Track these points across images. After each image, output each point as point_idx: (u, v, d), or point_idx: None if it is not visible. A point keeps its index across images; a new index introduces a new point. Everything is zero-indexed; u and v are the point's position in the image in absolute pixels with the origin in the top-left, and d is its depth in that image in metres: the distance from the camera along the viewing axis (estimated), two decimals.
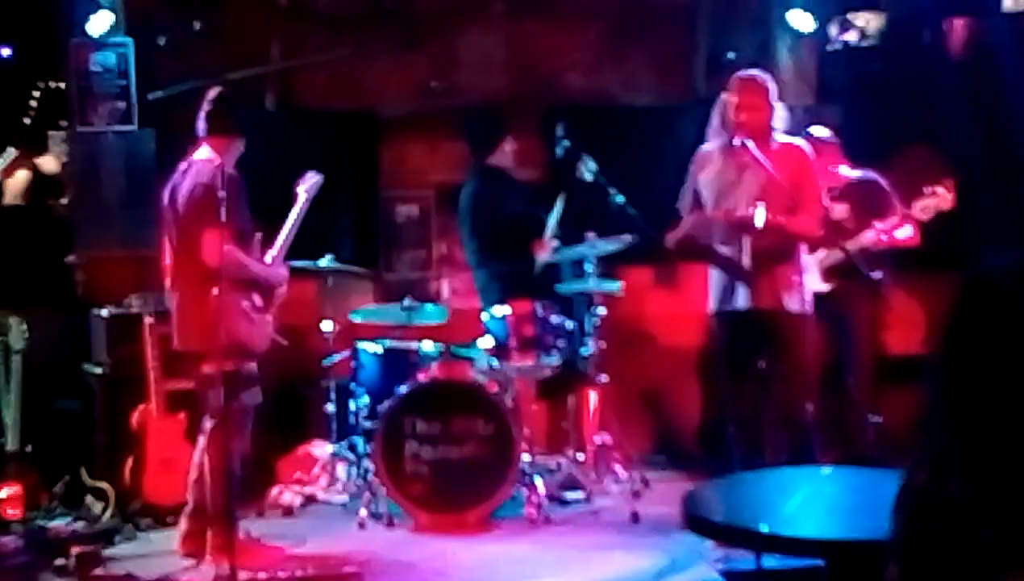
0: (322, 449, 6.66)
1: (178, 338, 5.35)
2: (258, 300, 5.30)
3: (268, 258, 5.40)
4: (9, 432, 5.87)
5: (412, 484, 5.89)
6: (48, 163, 7.47)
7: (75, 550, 5.26)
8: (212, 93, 5.40)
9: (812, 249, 5.84)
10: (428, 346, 6.40)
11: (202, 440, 5.32)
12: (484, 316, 6.40)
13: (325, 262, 6.48)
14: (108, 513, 6.00)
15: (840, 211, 6.26)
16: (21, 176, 7.35)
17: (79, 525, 5.88)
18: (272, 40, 7.80)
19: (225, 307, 5.00)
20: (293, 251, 5.63)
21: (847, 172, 6.42)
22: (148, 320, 6.05)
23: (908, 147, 6.97)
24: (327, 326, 6.63)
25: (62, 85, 7.15)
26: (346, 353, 6.61)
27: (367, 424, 6.26)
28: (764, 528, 3.11)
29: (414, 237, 8.11)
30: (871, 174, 6.41)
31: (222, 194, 4.92)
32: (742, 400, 5.41)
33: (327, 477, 6.54)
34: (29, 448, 5.89)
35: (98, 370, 6.44)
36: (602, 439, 6.55)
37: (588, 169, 6.33)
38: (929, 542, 1.95)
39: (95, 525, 5.90)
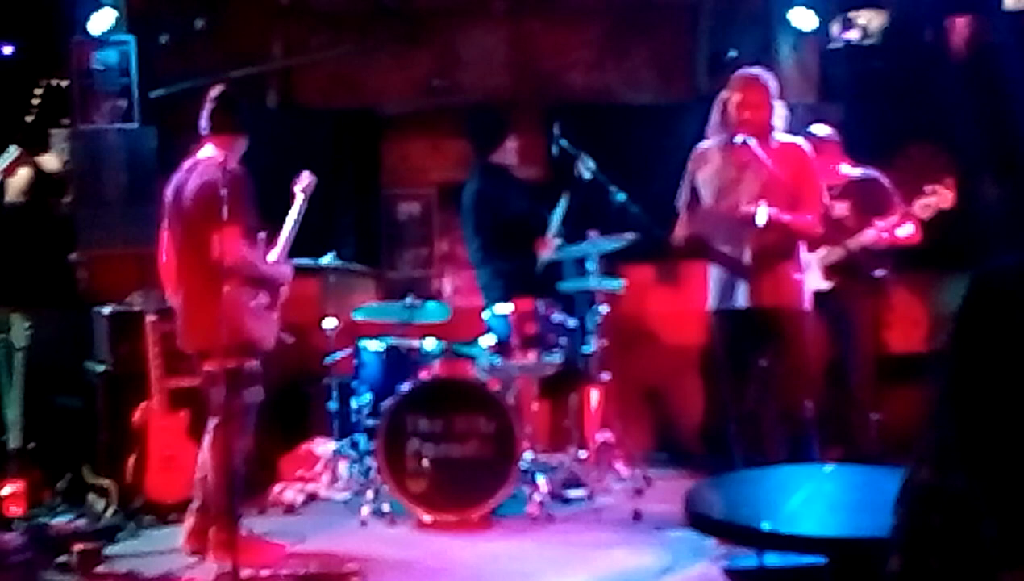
0: (324, 447, 6.66)
1: (185, 337, 5.33)
2: (265, 298, 5.31)
3: (272, 256, 5.40)
4: (12, 429, 5.88)
5: (414, 482, 5.89)
6: (50, 161, 7.47)
7: (77, 547, 5.25)
8: (215, 91, 5.40)
9: (812, 247, 5.84)
10: (430, 344, 6.41)
11: (207, 438, 5.33)
12: (486, 314, 6.41)
13: (327, 260, 6.49)
14: (110, 510, 6.01)
15: (841, 209, 6.26)
16: (23, 174, 7.35)
17: (81, 522, 5.90)
18: (274, 38, 7.81)
19: (235, 305, 5.02)
20: (295, 249, 5.63)
21: (848, 170, 6.42)
22: (150, 318, 6.05)
23: (910, 145, 6.97)
24: (329, 324, 6.63)
25: (64, 83, 7.15)
26: (348, 351, 6.62)
27: (369, 422, 6.27)
28: (766, 526, 3.12)
29: (416, 235, 8.11)
30: (872, 172, 6.41)
31: (227, 193, 4.93)
32: (744, 398, 5.42)
33: (329, 475, 6.54)
34: (32, 445, 5.91)
35: (100, 368, 6.44)
36: (604, 437, 6.55)
37: (586, 167, 6.34)
38: (930, 535, 1.96)
39: (97, 522, 5.92)
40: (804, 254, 5.52)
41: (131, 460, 6.02)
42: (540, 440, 6.63)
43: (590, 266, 6.36)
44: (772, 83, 5.44)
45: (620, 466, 6.57)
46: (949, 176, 6.02)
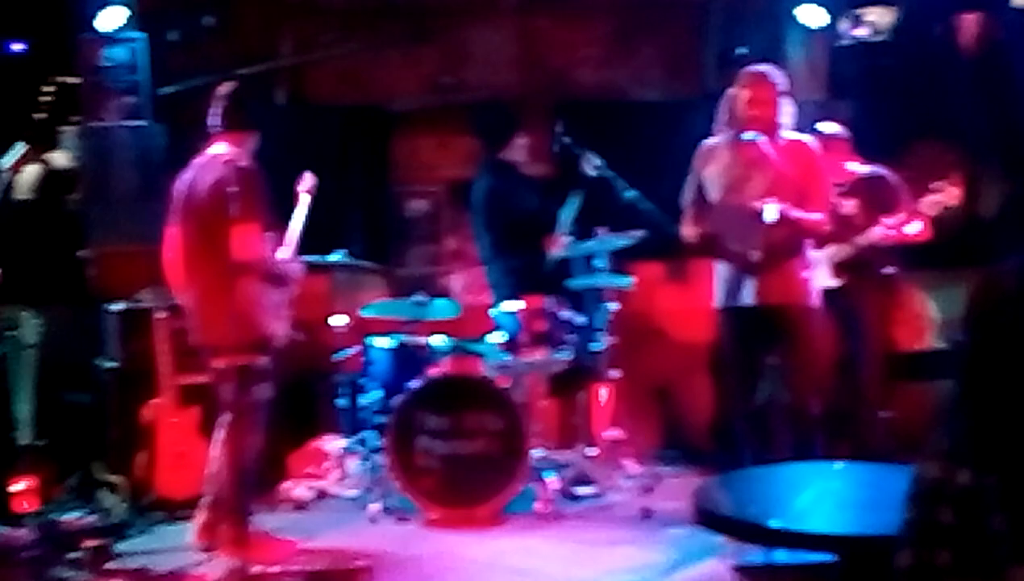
0: (334, 444, 6.67)
1: (199, 333, 5.31)
2: (277, 295, 5.33)
3: (282, 254, 5.41)
4: (22, 426, 5.90)
5: (423, 479, 5.90)
6: (59, 158, 7.49)
7: (88, 544, 5.28)
8: (225, 89, 5.41)
9: (820, 245, 5.84)
10: (439, 341, 6.41)
11: (218, 434, 5.34)
12: (495, 311, 6.41)
13: (336, 257, 6.50)
14: (121, 507, 6.04)
15: (848, 207, 6.26)
16: (32, 171, 7.37)
17: (92, 519, 5.91)
18: (282, 35, 7.83)
19: (252, 301, 5.06)
20: (304, 246, 5.64)
21: (856, 168, 6.42)
22: (160, 315, 6.07)
23: (920, 142, 6.96)
24: (338, 321, 6.64)
25: (74, 80, 7.17)
26: (357, 348, 6.63)
27: (378, 419, 6.27)
28: (775, 523, 3.13)
29: (425, 232, 8.12)
30: (880, 170, 6.41)
31: (241, 190, 4.95)
32: (752, 396, 5.42)
33: (338, 472, 6.55)
34: (42, 442, 5.93)
35: (110, 364, 6.46)
36: (613, 434, 6.56)
37: (591, 165, 6.35)
38: (940, 530, 1.97)
39: (108, 519, 5.93)
40: (812, 252, 5.52)
41: (141, 456, 6.05)
42: (549, 437, 6.62)
43: (599, 263, 6.37)
44: (781, 80, 5.44)
45: (629, 463, 6.57)
46: (955, 173, 6.01)
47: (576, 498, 6.27)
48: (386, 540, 5.63)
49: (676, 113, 7.43)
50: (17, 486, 5.78)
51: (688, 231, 5.56)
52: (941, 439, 2.06)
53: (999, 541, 1.92)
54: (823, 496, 3.53)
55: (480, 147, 7.01)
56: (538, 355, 6.18)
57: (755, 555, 4.56)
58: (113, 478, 6.17)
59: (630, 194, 6.27)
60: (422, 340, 6.45)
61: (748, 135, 5.31)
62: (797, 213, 5.25)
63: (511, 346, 6.20)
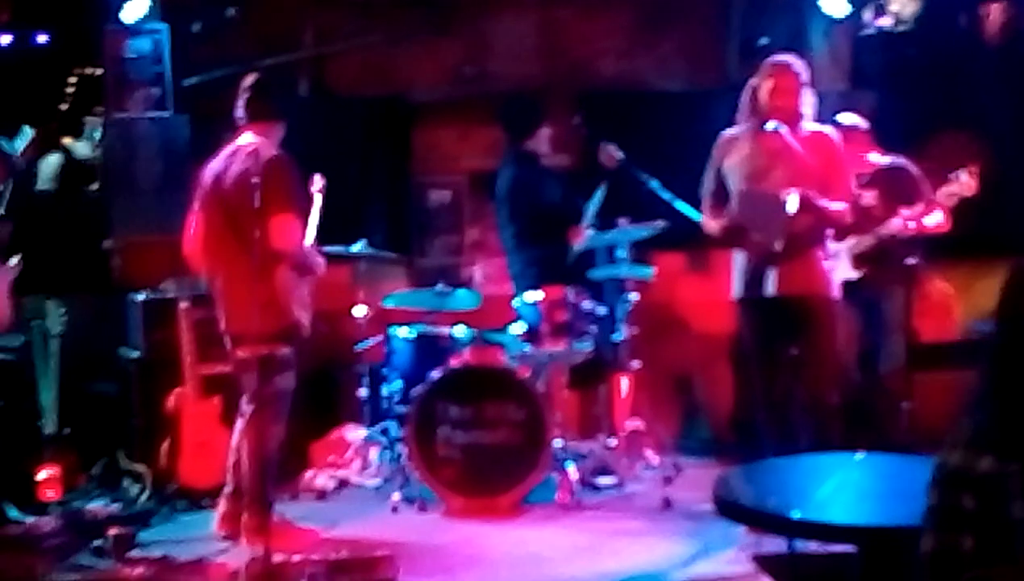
0: (355, 433, 6.70)
1: (229, 320, 5.32)
2: (305, 285, 5.36)
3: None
4: (47, 415, 5.94)
5: (444, 468, 5.92)
6: (80, 148, 7.53)
7: (111, 532, 5.31)
8: (249, 80, 5.44)
9: (840, 236, 5.82)
10: (460, 331, 6.42)
11: (240, 423, 5.37)
12: (516, 301, 6.41)
13: (358, 247, 6.51)
14: (144, 496, 6.08)
15: (869, 198, 6.24)
16: (53, 161, 7.41)
17: (116, 507, 5.96)
18: (305, 26, 7.83)
19: (285, 290, 5.13)
20: (326, 237, 5.67)
21: (876, 159, 6.40)
22: (183, 304, 6.10)
23: (943, 133, 6.91)
24: (360, 311, 6.66)
25: (98, 72, 7.20)
26: (379, 338, 6.64)
27: (400, 409, 6.29)
28: (796, 514, 3.12)
29: (446, 223, 8.13)
30: (900, 161, 6.38)
31: (274, 179, 5.00)
32: (773, 386, 5.41)
33: (360, 461, 6.58)
34: (67, 431, 5.97)
35: (134, 354, 6.50)
36: (634, 425, 6.57)
37: (611, 156, 6.35)
38: (962, 516, 1.98)
39: (131, 507, 5.98)
40: (832, 242, 5.50)
41: (165, 446, 6.08)
42: (570, 428, 6.64)
43: (620, 254, 6.36)
44: (804, 70, 5.42)
45: (650, 454, 6.58)
46: (973, 163, 5.97)
47: (597, 488, 6.28)
48: (407, 529, 5.66)
49: (698, 103, 7.40)
50: (42, 475, 5.83)
51: (709, 221, 5.55)
52: (966, 427, 2.07)
53: (1020, 527, 1.93)
54: (844, 487, 3.52)
55: (504, 138, 7.00)
56: (559, 345, 6.18)
57: (775, 545, 4.56)
58: (136, 467, 6.21)
59: (653, 184, 6.26)
60: (443, 330, 6.47)
61: (770, 125, 5.29)
62: (822, 201, 5.23)
63: (532, 336, 6.21)
